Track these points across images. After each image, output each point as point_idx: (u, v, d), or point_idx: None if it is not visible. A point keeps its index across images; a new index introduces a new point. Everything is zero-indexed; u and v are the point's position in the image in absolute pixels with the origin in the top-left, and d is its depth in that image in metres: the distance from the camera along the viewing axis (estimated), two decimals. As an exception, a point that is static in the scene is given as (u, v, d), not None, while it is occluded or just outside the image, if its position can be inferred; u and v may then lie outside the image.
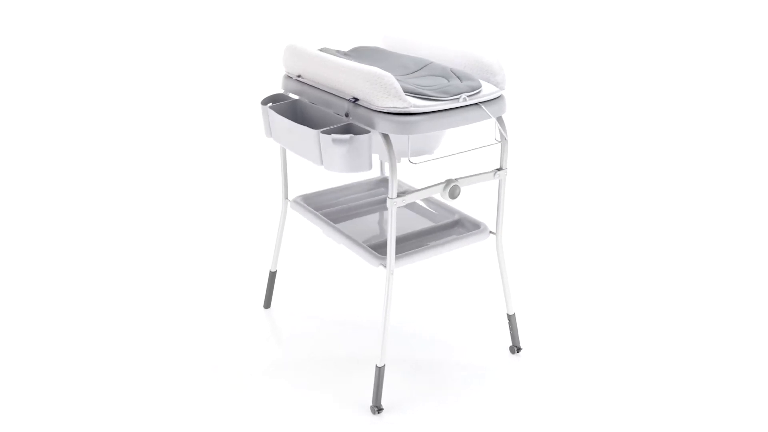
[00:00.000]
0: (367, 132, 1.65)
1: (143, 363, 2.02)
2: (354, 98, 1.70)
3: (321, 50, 1.97)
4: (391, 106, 1.61)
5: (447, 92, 1.67)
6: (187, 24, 3.91)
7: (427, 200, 2.12)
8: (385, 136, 1.65)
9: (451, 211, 2.05)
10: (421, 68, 1.85)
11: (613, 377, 1.97)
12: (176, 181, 3.25)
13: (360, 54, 2.00)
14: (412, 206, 2.15)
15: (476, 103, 1.70)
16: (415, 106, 1.61)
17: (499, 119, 1.80)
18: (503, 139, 1.82)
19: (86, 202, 3.02)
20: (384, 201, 2.15)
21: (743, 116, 3.77)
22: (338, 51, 2.02)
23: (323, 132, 1.65)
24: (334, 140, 1.63)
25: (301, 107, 1.89)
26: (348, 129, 1.69)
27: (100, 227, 2.81)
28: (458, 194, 1.77)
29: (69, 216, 2.90)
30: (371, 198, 2.17)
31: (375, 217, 2.10)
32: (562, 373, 1.99)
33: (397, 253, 1.79)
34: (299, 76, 1.91)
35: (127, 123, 3.70)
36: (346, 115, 1.72)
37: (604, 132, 3.72)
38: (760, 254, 2.65)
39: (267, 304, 2.29)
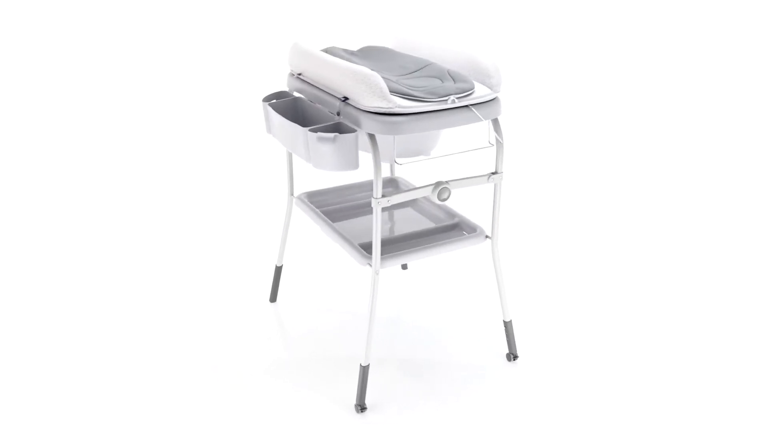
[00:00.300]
0: (354, 131, 1.66)
1: (150, 356, 2.07)
2: (344, 97, 1.71)
3: (328, 49, 1.99)
4: (377, 105, 1.61)
5: (435, 93, 1.66)
6: (209, 22, 3.98)
7: (433, 202, 2.11)
8: (371, 136, 1.66)
9: (452, 213, 2.03)
10: (420, 69, 1.84)
11: (613, 390, 1.92)
12: (186, 176, 3.30)
13: (366, 54, 2.01)
14: (417, 207, 2.14)
15: (466, 105, 1.68)
16: (400, 107, 1.61)
17: (495, 122, 1.78)
18: (498, 143, 1.79)
19: (96, 199, 3.07)
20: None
21: (735, 125, 3.70)
22: (346, 50, 2.03)
23: (311, 130, 1.67)
24: (319, 138, 1.64)
25: (302, 105, 1.91)
26: (337, 128, 1.70)
27: (111, 223, 2.87)
28: (447, 197, 1.76)
29: (76, 212, 2.95)
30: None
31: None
32: (559, 383, 1.95)
33: (386, 253, 1.80)
34: (300, 74, 1.93)
35: (139, 119, 3.77)
36: (338, 113, 1.74)
37: (604, 139, 3.67)
38: (758, 263, 2.55)
39: (273, 298, 2.32)
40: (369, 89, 1.61)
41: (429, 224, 2.04)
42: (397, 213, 2.14)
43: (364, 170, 2.73)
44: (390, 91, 1.64)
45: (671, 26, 4.04)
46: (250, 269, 2.51)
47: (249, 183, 3.25)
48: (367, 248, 1.82)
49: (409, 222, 2.08)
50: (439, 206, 2.08)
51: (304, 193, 2.14)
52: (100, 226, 2.86)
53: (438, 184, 1.75)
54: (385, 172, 2.39)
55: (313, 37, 2.47)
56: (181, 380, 1.96)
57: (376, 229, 1.71)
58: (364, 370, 1.81)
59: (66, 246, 2.70)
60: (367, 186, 2.23)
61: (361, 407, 1.83)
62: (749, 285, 2.41)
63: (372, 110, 1.62)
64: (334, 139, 1.63)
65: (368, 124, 1.63)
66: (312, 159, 1.70)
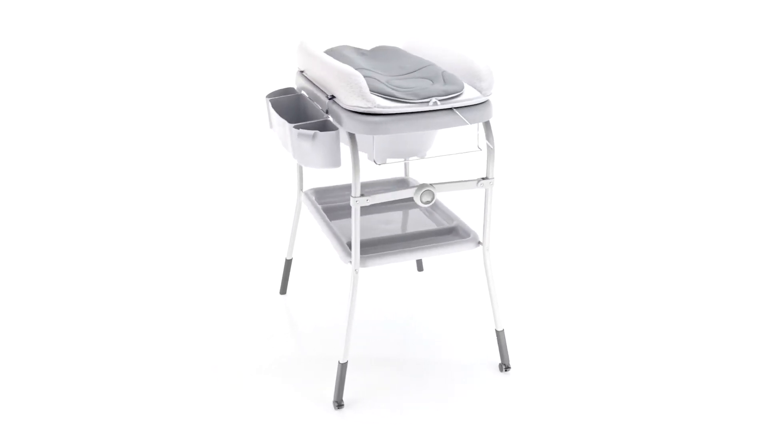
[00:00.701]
0: (334, 130, 1.67)
1: (162, 344, 2.12)
2: (331, 96, 1.72)
3: (336, 48, 2.01)
4: (356, 105, 1.62)
5: (416, 95, 1.64)
6: (238, 20, 4.01)
7: (437, 204, 2.09)
8: (351, 135, 1.67)
9: (452, 217, 2.01)
10: (418, 70, 1.83)
11: (609, 406, 1.84)
12: (202, 171, 3.35)
13: (375, 53, 2.02)
14: (431, 206, 2.12)
15: (450, 108, 1.66)
16: (379, 107, 1.61)
17: (486, 126, 1.75)
18: (488, 147, 1.75)
19: (113, 194, 3.12)
20: (396, 201, 2.14)
21: (727, 136, 3.65)
22: (358, 49, 2.05)
23: (294, 126, 1.70)
24: (299, 135, 1.67)
25: (303, 102, 1.94)
26: (324, 125, 1.72)
27: (129, 217, 2.92)
28: (430, 200, 1.75)
29: (92, 208, 2.99)
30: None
31: (379, 216, 2.10)
32: (551, 395, 1.89)
33: (371, 253, 1.80)
34: (303, 71, 1.96)
35: (157, 114, 3.83)
36: (326, 111, 1.75)
37: (603, 147, 3.62)
38: (751, 271, 2.40)
39: (283, 290, 2.37)
40: (350, 88, 1.62)
41: (428, 227, 2.02)
42: (403, 214, 2.13)
43: (376, 169, 2.74)
44: (373, 91, 1.65)
45: (665, 32, 4.04)
46: (262, 262, 2.56)
47: (264, 177, 3.27)
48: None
49: (410, 223, 2.07)
50: (442, 209, 2.06)
51: (312, 189, 2.17)
52: (120, 221, 2.89)
53: (421, 186, 1.74)
54: (399, 173, 2.40)
55: (337, 37, 2.50)
56: (187, 370, 2.00)
57: (355, 228, 1.72)
58: (342, 367, 1.82)
59: (82, 240, 2.74)
60: (378, 185, 2.23)
61: (338, 404, 1.84)
62: (745, 302, 2.28)
63: (352, 109, 1.63)
64: (313, 137, 1.65)
65: (348, 123, 1.64)
66: (296, 155, 1.73)
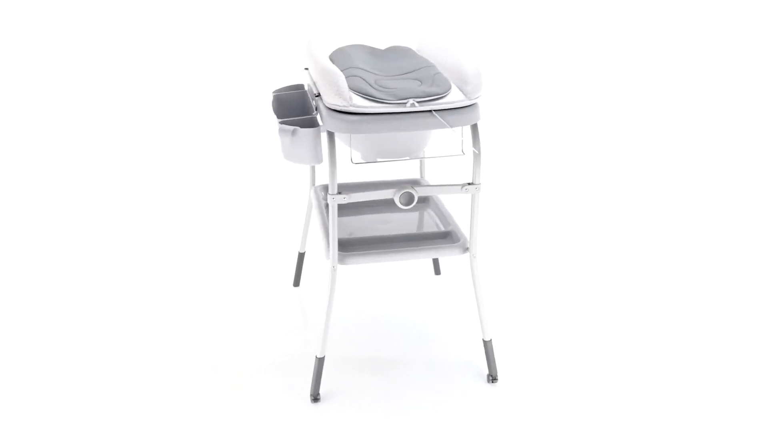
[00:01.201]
0: (315, 127, 1.69)
1: (177, 335, 2.17)
2: (318, 93, 1.75)
3: (346, 47, 2.03)
4: (334, 103, 1.63)
5: (396, 96, 1.63)
6: (267, 15, 3.99)
7: (438, 207, 2.07)
8: (329, 134, 1.68)
9: (449, 221, 1.98)
10: (414, 71, 1.82)
11: (599, 419, 1.77)
12: (219, 166, 3.38)
13: (384, 53, 2.02)
14: (433, 209, 2.10)
15: (429, 110, 1.63)
16: (355, 106, 1.62)
17: (474, 131, 1.71)
18: (474, 152, 1.72)
19: (132, 189, 3.16)
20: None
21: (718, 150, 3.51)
22: (371, 48, 2.06)
23: (280, 122, 1.73)
24: (279, 130, 1.70)
25: (307, 99, 1.97)
26: (310, 122, 1.75)
27: (145, 209, 2.98)
28: (408, 202, 1.74)
29: (107, 204, 3.03)
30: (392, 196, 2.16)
31: (378, 216, 2.10)
32: (538, 409, 1.83)
33: (353, 251, 1.81)
34: (306, 68, 1.99)
35: (165, 109, 3.83)
36: (315, 109, 1.78)
37: (599, 152, 3.52)
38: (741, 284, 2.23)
39: (296, 282, 2.41)
40: (329, 86, 1.63)
41: (424, 229, 2.01)
42: (403, 215, 2.11)
43: (390, 168, 2.72)
44: (354, 91, 1.65)
45: (660, 36, 3.96)
46: (278, 254, 2.60)
47: (284, 172, 3.26)
48: (348, 244, 1.85)
49: (408, 225, 2.06)
50: (443, 212, 2.03)
51: (321, 185, 2.19)
52: (136, 214, 2.94)
53: (401, 187, 1.73)
54: (414, 173, 2.38)
55: (363, 35, 2.51)
56: (194, 363, 2.04)
57: (333, 226, 1.73)
58: (320, 362, 1.84)
59: (96, 234, 2.78)
60: (387, 184, 2.22)
61: (315, 398, 1.86)
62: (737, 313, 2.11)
63: (331, 107, 1.65)
64: (292, 133, 1.68)
65: (328, 121, 1.66)
66: (282, 149, 1.76)
